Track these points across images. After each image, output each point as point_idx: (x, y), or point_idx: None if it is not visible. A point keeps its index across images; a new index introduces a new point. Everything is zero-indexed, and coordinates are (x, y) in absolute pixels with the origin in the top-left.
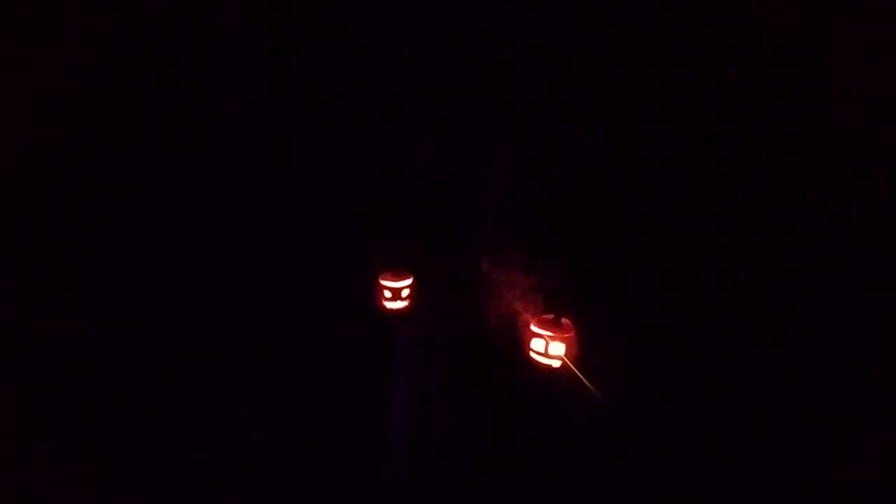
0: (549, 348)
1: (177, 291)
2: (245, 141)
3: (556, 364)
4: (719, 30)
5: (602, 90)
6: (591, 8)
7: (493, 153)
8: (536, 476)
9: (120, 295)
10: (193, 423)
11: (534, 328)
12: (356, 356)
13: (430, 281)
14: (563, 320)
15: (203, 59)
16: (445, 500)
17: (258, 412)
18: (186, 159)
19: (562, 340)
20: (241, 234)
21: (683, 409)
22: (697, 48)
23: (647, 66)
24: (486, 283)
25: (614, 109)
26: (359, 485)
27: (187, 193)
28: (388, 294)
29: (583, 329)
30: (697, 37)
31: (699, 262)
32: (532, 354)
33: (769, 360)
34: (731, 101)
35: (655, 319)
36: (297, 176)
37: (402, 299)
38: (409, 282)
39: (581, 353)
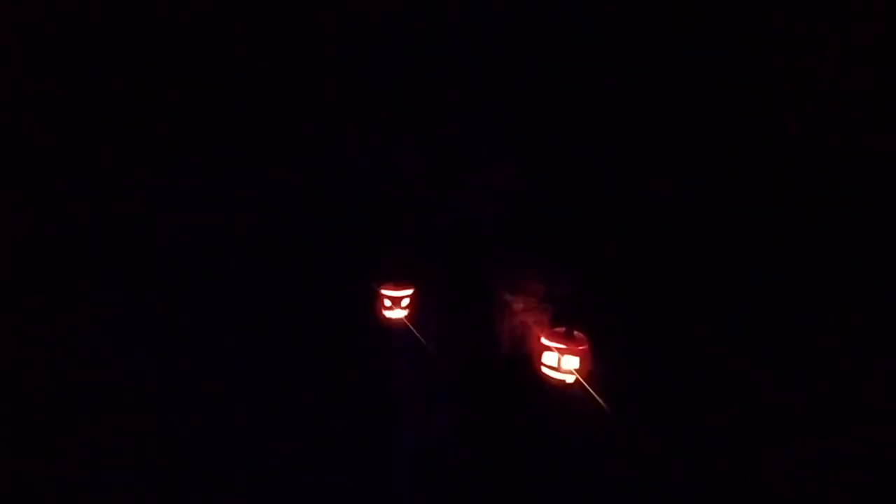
0: (561, 362)
1: (177, 294)
2: (245, 142)
3: (570, 379)
4: (724, 28)
5: (617, 91)
6: (594, 7)
7: (499, 158)
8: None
9: (119, 298)
10: (194, 426)
11: (545, 341)
12: (356, 362)
13: (433, 290)
14: (576, 333)
15: (203, 60)
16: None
17: (258, 414)
18: (188, 164)
19: (575, 354)
20: (241, 235)
21: (701, 426)
22: (703, 46)
23: (658, 66)
24: (493, 294)
25: (627, 113)
26: (357, 488)
27: (188, 196)
28: (387, 303)
29: (596, 342)
30: (701, 36)
31: (718, 269)
32: (543, 369)
33: (796, 374)
34: (746, 102)
35: (673, 330)
36: (298, 179)
37: (402, 308)
38: (409, 292)
39: (594, 367)
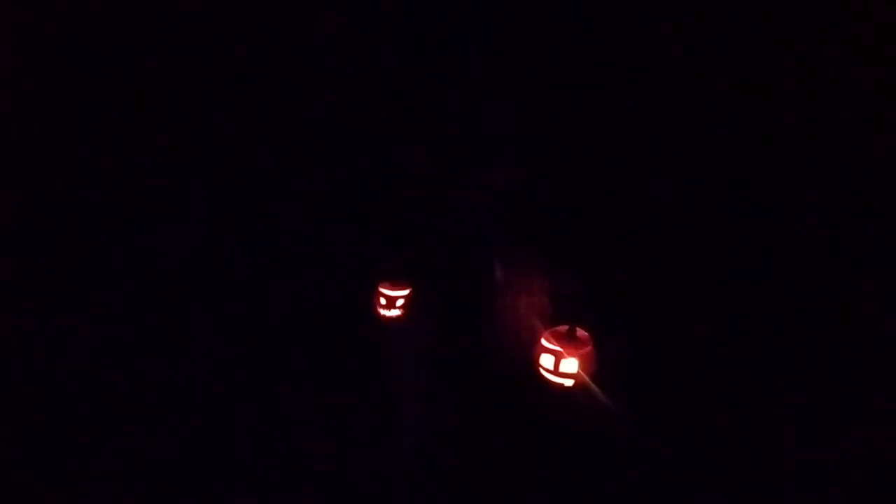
0: (559, 365)
1: (177, 294)
2: (245, 142)
3: (568, 383)
4: (726, 28)
5: (620, 89)
6: (598, 7)
7: (501, 153)
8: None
9: (119, 297)
10: (194, 426)
11: (544, 342)
12: (351, 359)
13: (432, 290)
14: (580, 332)
15: (204, 59)
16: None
17: (257, 414)
18: (188, 164)
19: (576, 356)
20: (240, 235)
21: (707, 432)
22: (707, 46)
23: (662, 64)
24: (493, 294)
25: (631, 110)
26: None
27: (188, 195)
28: (383, 301)
29: (600, 343)
30: (705, 35)
31: (723, 268)
32: (542, 372)
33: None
34: (749, 102)
35: (679, 331)
36: (298, 178)
37: (396, 308)
38: (405, 292)
39: (599, 370)
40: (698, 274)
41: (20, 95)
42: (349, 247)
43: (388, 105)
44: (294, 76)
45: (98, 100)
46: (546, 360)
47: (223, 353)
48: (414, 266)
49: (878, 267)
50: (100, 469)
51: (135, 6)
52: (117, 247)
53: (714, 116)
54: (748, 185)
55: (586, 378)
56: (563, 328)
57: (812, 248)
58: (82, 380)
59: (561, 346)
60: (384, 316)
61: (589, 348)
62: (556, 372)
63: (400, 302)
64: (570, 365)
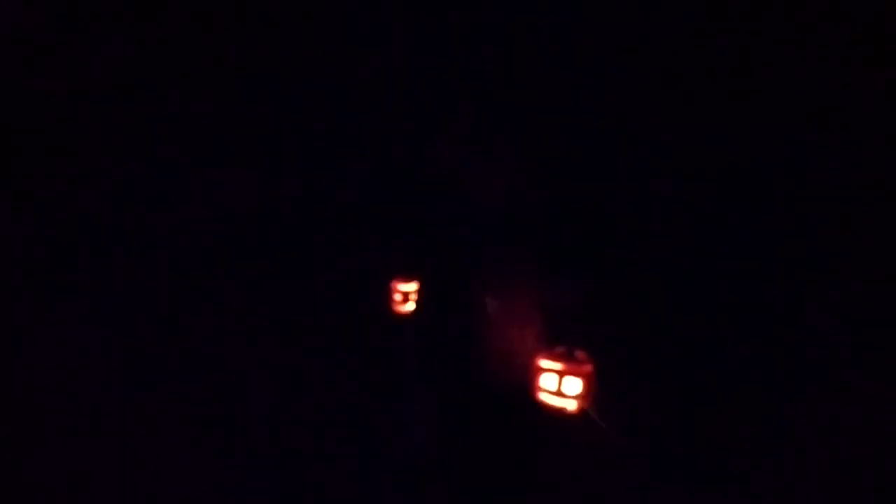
0: (562, 386)
1: (183, 293)
2: (246, 142)
3: (572, 405)
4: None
5: (620, 93)
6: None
7: (497, 159)
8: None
9: (121, 300)
10: (200, 424)
11: (542, 363)
12: (369, 356)
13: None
14: (578, 352)
15: (206, 58)
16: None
17: (265, 414)
18: (190, 164)
19: (578, 376)
20: (245, 235)
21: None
22: (712, 48)
23: (666, 68)
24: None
25: (630, 114)
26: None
27: (191, 196)
28: (398, 297)
29: (600, 363)
30: (707, 35)
31: (729, 279)
32: (541, 395)
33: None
34: (753, 105)
35: (684, 346)
36: (303, 175)
37: (412, 302)
38: (415, 286)
39: (598, 392)
40: (698, 284)
41: (19, 94)
42: (358, 245)
43: (392, 106)
44: (301, 75)
45: (98, 100)
46: (548, 382)
47: (235, 352)
48: (420, 260)
49: (878, 266)
50: (100, 469)
51: (135, 5)
52: (120, 247)
53: (718, 119)
54: (749, 192)
55: (588, 400)
56: (562, 348)
57: (813, 251)
58: (82, 380)
59: (563, 366)
60: (401, 311)
61: (590, 368)
62: (559, 394)
63: (414, 296)
64: (574, 385)
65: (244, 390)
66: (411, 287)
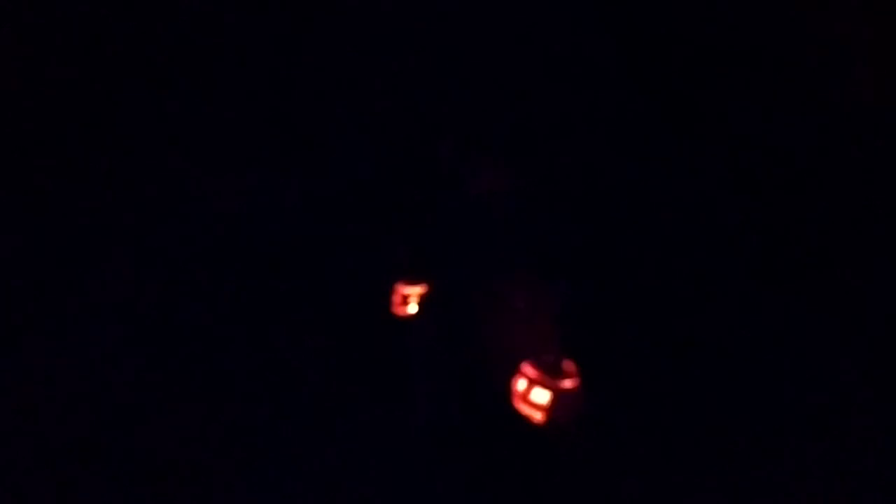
0: (531, 394)
1: (183, 293)
2: (248, 141)
3: (538, 416)
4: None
5: (627, 95)
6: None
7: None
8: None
9: (122, 300)
10: (200, 425)
11: (522, 367)
12: (370, 358)
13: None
14: (566, 364)
15: (210, 56)
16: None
17: (266, 415)
18: (191, 163)
19: (549, 388)
20: (249, 235)
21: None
22: (710, 48)
23: (657, 63)
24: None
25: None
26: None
27: (192, 195)
28: (399, 300)
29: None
30: (708, 36)
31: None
32: (514, 398)
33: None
34: (740, 100)
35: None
36: (309, 176)
37: (414, 305)
38: (420, 289)
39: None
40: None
41: (19, 93)
42: (361, 245)
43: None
44: (303, 74)
45: (98, 99)
46: (519, 384)
47: (228, 351)
48: (426, 262)
49: (878, 265)
50: (101, 470)
51: (135, 4)
52: (121, 246)
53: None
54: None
55: (565, 417)
56: (550, 356)
57: (813, 250)
58: (82, 380)
59: (537, 374)
60: (403, 314)
61: (570, 384)
62: (525, 400)
63: (416, 299)
64: (542, 396)
65: (245, 390)
66: (413, 290)
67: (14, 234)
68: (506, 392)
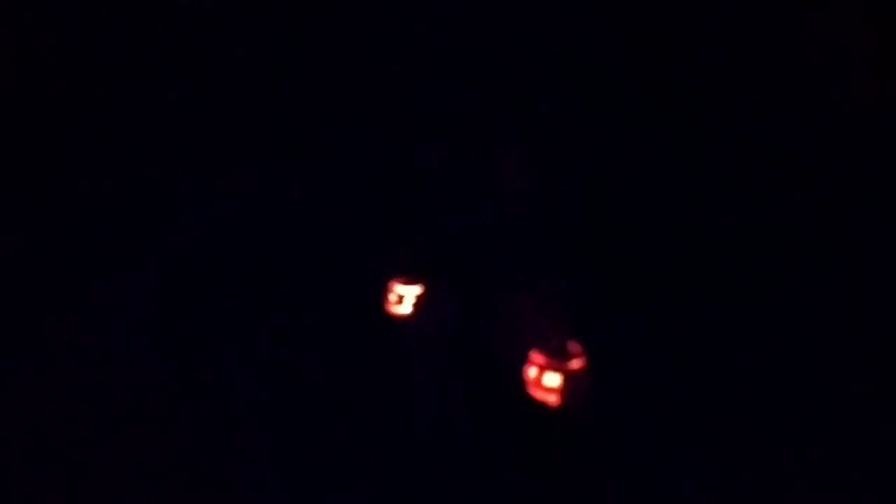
0: (542, 379)
1: (182, 293)
2: (249, 141)
3: (552, 398)
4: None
5: (614, 89)
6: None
7: (505, 156)
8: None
9: (122, 300)
10: (199, 426)
11: (532, 355)
12: (362, 357)
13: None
14: (571, 345)
15: (209, 56)
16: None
17: (264, 415)
18: (192, 163)
19: (559, 371)
20: (250, 235)
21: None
22: (714, 47)
23: (657, 64)
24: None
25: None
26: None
27: (194, 195)
28: (393, 298)
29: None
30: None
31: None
32: (528, 386)
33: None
34: (740, 100)
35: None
36: (307, 176)
37: (408, 305)
38: (415, 290)
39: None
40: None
41: (20, 93)
42: (359, 244)
43: (401, 103)
44: (305, 72)
45: (99, 99)
46: (530, 372)
47: (228, 351)
48: (425, 263)
49: (878, 265)
50: (100, 471)
51: (135, 4)
52: (120, 248)
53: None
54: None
55: (575, 398)
56: (555, 341)
57: (813, 250)
58: (82, 380)
59: (546, 360)
60: (395, 313)
61: (578, 364)
62: (538, 386)
63: (411, 299)
64: (553, 380)
65: (244, 390)
66: (409, 289)
67: (14, 234)
68: (509, 390)
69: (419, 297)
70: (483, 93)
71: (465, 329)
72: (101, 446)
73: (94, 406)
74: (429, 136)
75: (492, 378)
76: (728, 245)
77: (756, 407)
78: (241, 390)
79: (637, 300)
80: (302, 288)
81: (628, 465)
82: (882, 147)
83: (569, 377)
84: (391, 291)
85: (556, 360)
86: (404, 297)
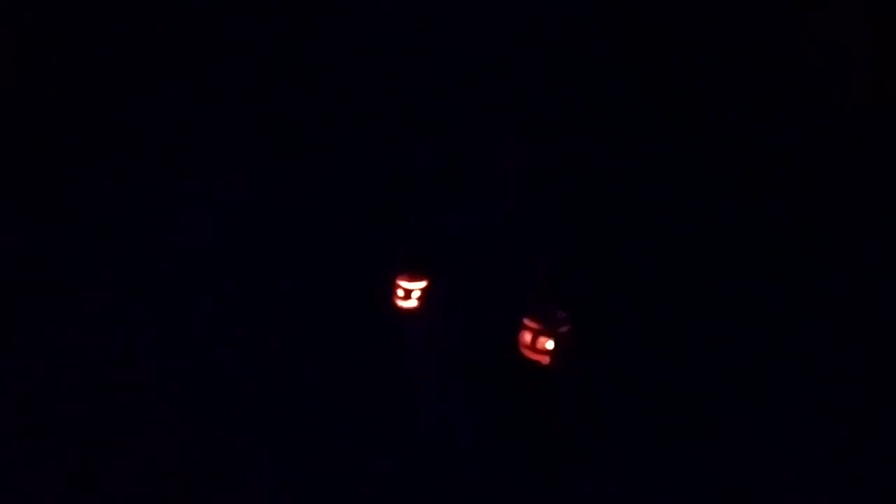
0: (536, 342)
1: (183, 291)
2: (250, 140)
3: (545, 360)
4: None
5: (612, 88)
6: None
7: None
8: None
9: (122, 300)
10: (201, 425)
11: (525, 321)
12: (367, 352)
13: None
14: (560, 313)
15: (209, 56)
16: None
17: (265, 413)
18: (192, 163)
19: (550, 335)
20: (250, 234)
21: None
22: (705, 46)
23: (657, 63)
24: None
25: (625, 108)
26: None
27: (194, 195)
28: (400, 293)
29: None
30: (705, 34)
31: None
32: (521, 349)
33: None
34: (740, 100)
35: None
36: (307, 176)
37: (414, 300)
38: (422, 284)
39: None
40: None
41: (20, 92)
42: (360, 244)
43: (400, 101)
44: (304, 72)
45: (99, 98)
46: (525, 337)
47: (231, 351)
48: (425, 261)
49: (878, 265)
50: (101, 470)
51: (135, 4)
52: (120, 247)
53: (721, 109)
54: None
55: (563, 358)
56: (546, 307)
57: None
58: (82, 380)
59: (539, 325)
60: (401, 307)
61: (566, 328)
62: (531, 348)
63: (417, 294)
64: (545, 343)
65: (244, 390)
66: (415, 284)
67: (14, 234)
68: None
69: (424, 291)
70: (482, 92)
71: (465, 325)
72: (101, 446)
73: (94, 406)
74: (428, 135)
75: (491, 378)
76: (728, 245)
77: (756, 407)
78: (241, 390)
79: (637, 300)
80: (302, 288)
81: (628, 465)
82: (882, 147)
83: (559, 340)
84: (398, 287)
85: (548, 325)
86: (411, 292)
